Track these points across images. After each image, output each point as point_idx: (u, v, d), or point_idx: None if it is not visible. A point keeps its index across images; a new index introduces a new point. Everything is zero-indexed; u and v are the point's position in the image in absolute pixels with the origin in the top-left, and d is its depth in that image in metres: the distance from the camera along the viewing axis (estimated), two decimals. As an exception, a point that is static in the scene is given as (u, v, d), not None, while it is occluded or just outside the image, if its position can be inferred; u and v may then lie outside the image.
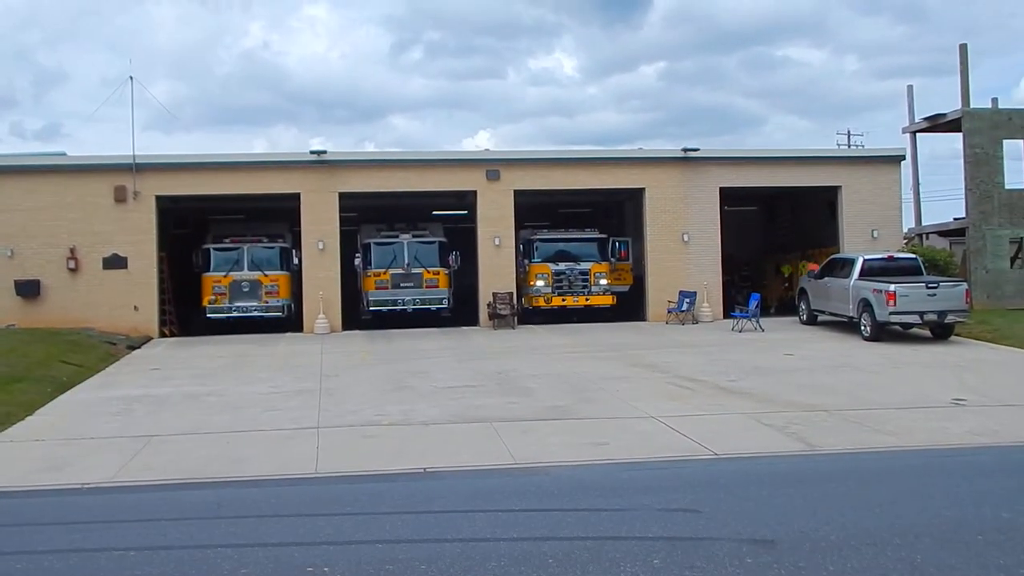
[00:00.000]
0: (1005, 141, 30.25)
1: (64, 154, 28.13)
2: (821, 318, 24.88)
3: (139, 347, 23.25)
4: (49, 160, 26.78)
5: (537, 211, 32.26)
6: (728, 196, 28.59)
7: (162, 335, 25.81)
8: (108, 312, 25.09)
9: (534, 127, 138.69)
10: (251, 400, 15.02)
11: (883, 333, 21.60)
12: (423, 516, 8.25)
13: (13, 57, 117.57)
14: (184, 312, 28.12)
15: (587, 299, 27.72)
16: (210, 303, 26.69)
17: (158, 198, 25.97)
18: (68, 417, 13.92)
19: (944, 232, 34.78)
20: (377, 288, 27.39)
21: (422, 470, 10.18)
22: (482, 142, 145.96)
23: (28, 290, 24.95)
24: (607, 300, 27.86)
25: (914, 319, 21.26)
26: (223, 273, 26.82)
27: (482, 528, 7.71)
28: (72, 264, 25.27)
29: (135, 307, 25.41)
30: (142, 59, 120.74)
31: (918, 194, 34.55)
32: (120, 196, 25.56)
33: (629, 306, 28.66)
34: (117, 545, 7.39)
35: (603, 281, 27.98)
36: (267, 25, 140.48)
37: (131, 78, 25.54)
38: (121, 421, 13.43)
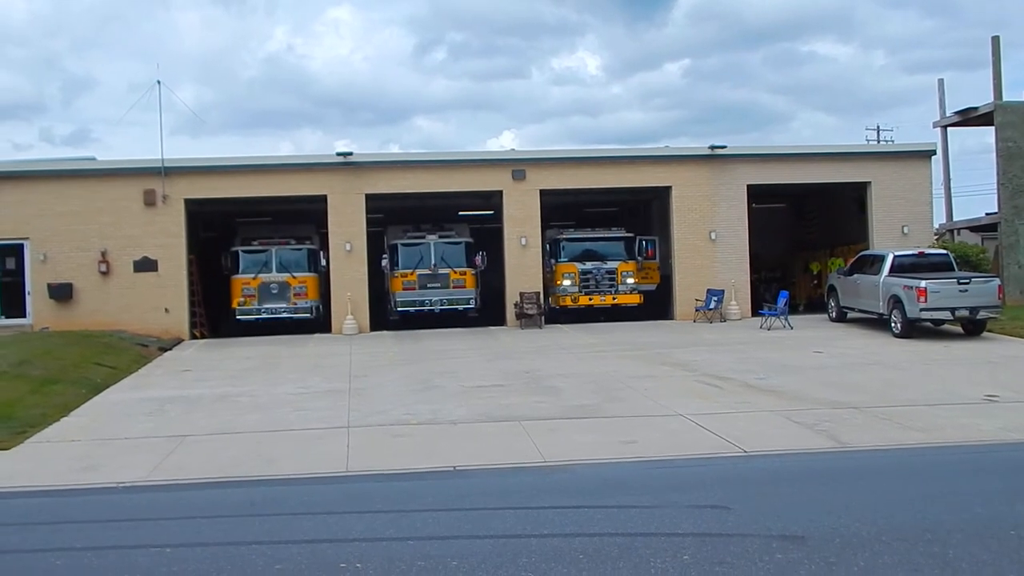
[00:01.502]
0: (1038, 135, 29.87)
1: (94, 159, 28.46)
2: (851, 315, 24.70)
3: (170, 349, 23.50)
4: (79, 165, 27.10)
5: (563, 211, 32.28)
6: (755, 193, 28.45)
7: (192, 337, 26.06)
8: (139, 315, 25.38)
9: (558, 127, 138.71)
10: (281, 400, 15.14)
11: (914, 330, 21.41)
12: (454, 513, 8.31)
13: (42, 64, 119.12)
14: (214, 314, 28.39)
15: (614, 298, 27.68)
16: (239, 305, 26.90)
17: (187, 201, 26.21)
18: (103, 418, 14.11)
19: (976, 227, 34.44)
20: (404, 289, 27.50)
21: (452, 468, 10.25)
22: (506, 143, 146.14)
23: (61, 293, 25.28)
24: (634, 299, 27.80)
25: (945, 315, 21.06)
26: (252, 275, 27.03)
27: (512, 525, 7.75)
28: (103, 267, 25.56)
29: (166, 309, 25.68)
30: (168, 64, 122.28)
31: (949, 189, 34.26)
32: (150, 200, 25.83)
33: (656, 305, 28.59)
34: (153, 542, 7.50)
35: (630, 280, 27.92)
36: (291, 29, 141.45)
37: (159, 83, 25.84)
38: (154, 422, 13.59)
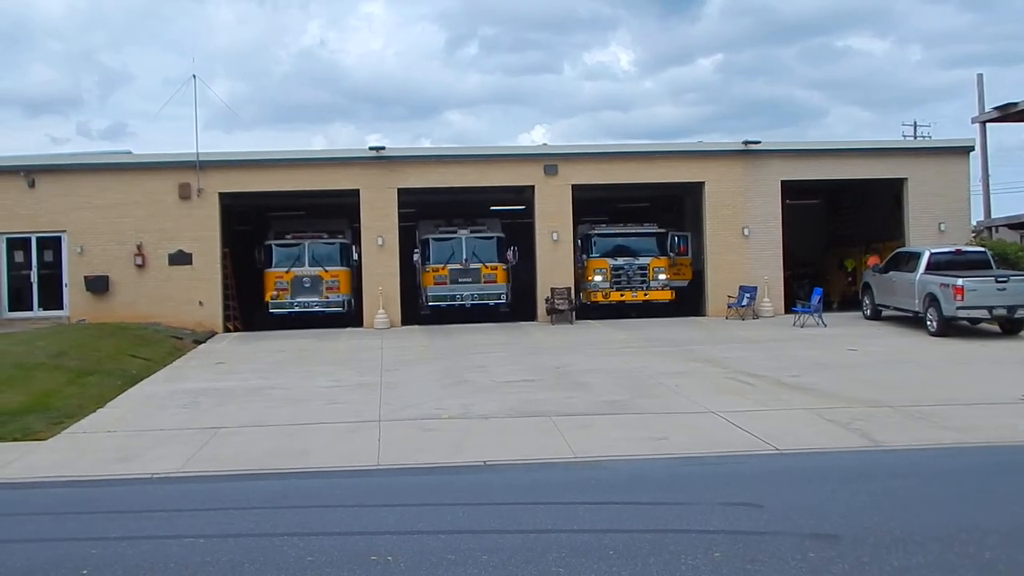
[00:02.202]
0: (1078, 131, 29.37)
1: (130, 152, 28.80)
2: (885, 313, 24.44)
3: (204, 342, 23.71)
4: (116, 159, 27.44)
5: (595, 206, 32.17)
6: (790, 189, 28.19)
7: (226, 330, 26.26)
8: (174, 307, 25.62)
9: (590, 122, 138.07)
10: (314, 393, 15.24)
11: (950, 328, 21.13)
12: (484, 508, 8.33)
13: (79, 58, 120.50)
14: (247, 307, 28.60)
15: (645, 294, 27.59)
16: (272, 298, 27.12)
17: (221, 195, 26.42)
18: (137, 409, 14.27)
19: (1014, 225, 33.87)
20: (436, 283, 27.57)
21: (482, 463, 10.27)
22: (538, 137, 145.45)
23: (97, 286, 25.58)
24: (666, 295, 27.70)
25: (982, 314, 20.77)
26: (285, 269, 27.22)
27: (542, 520, 7.76)
28: (139, 260, 25.83)
29: (200, 302, 25.90)
30: (203, 59, 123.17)
31: (988, 186, 33.72)
32: (185, 193, 26.07)
33: (688, 301, 28.47)
34: (186, 533, 7.58)
35: (662, 276, 27.81)
36: (324, 24, 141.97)
37: (194, 77, 26.09)
38: (188, 413, 13.73)
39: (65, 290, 25.97)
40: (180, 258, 26.00)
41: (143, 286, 25.84)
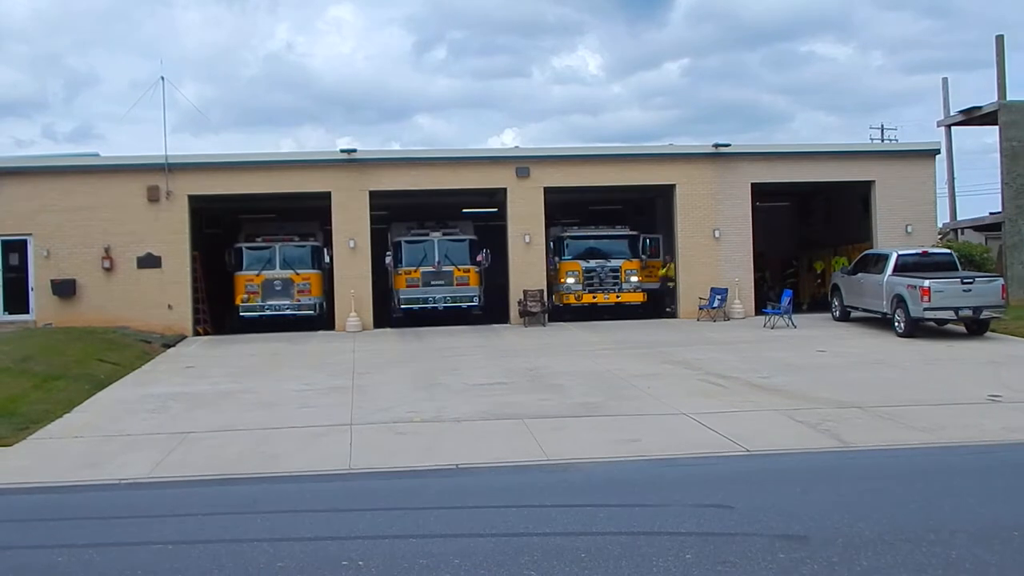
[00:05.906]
0: (1042, 134, 29.81)
1: (97, 155, 28.46)
2: (854, 314, 24.65)
3: (174, 345, 23.48)
4: (83, 161, 27.10)
5: (567, 208, 32.24)
6: (760, 192, 28.39)
7: (196, 334, 26.04)
8: (143, 311, 25.35)
9: (559, 125, 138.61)
10: (285, 397, 15.15)
11: (917, 329, 21.36)
12: (456, 511, 8.31)
13: (45, 60, 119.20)
14: (217, 311, 28.37)
15: (618, 296, 27.67)
16: (243, 302, 26.90)
17: (191, 198, 26.17)
18: (105, 414, 14.11)
19: (979, 227, 34.40)
20: (408, 286, 27.49)
21: (455, 466, 10.24)
22: (508, 141, 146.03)
23: (64, 290, 25.27)
24: (638, 297, 27.80)
25: (949, 315, 21.01)
26: (255, 272, 27.02)
27: (515, 523, 7.75)
28: (107, 264, 25.54)
29: (169, 306, 25.64)
30: (171, 62, 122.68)
31: (953, 188, 34.26)
32: (153, 196, 25.81)
33: (660, 303, 28.56)
34: (155, 539, 7.51)
35: (634, 278, 27.92)
36: (292, 27, 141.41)
37: (162, 79, 25.90)
38: (157, 418, 13.60)
39: (31, 294, 25.62)
40: (149, 261, 25.72)
41: (111, 290, 25.55)
